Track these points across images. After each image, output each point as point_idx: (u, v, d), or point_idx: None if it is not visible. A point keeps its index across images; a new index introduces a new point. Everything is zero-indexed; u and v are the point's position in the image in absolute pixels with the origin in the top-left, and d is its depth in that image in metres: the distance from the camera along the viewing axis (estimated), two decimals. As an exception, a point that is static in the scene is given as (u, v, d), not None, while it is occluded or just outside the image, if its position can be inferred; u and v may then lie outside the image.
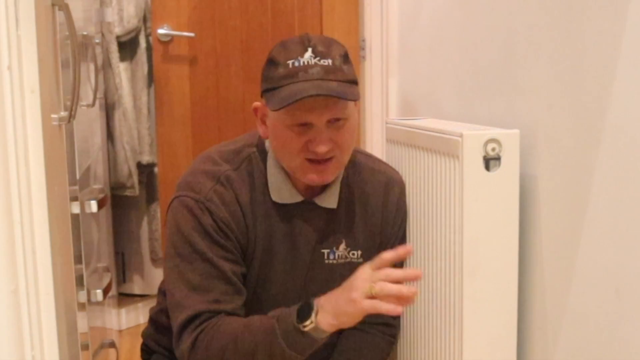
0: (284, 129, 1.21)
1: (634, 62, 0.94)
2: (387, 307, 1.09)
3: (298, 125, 1.20)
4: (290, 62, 1.19)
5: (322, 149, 1.20)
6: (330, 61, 1.19)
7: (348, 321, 1.14)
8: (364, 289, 1.11)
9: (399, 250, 1.16)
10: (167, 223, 1.31)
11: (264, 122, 1.28)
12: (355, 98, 1.21)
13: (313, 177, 1.24)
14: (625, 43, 0.95)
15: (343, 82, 1.19)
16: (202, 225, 1.24)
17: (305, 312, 1.15)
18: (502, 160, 1.19)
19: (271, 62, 1.23)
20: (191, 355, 1.22)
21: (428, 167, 1.33)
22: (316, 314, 1.14)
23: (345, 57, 1.23)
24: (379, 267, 1.13)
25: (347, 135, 1.24)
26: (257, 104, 1.29)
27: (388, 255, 1.15)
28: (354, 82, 1.23)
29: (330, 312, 1.14)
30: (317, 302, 1.16)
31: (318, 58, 1.19)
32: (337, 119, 1.21)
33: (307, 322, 1.14)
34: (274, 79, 1.21)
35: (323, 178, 1.25)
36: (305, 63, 1.18)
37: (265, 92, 1.23)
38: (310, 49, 1.20)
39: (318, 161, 1.22)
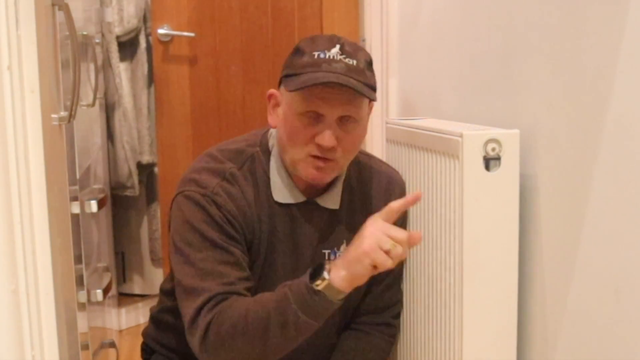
0: (295, 118, 1.21)
1: (634, 62, 0.94)
2: (389, 265, 1.11)
3: (309, 114, 1.20)
4: (316, 53, 1.20)
5: (327, 142, 1.19)
6: (355, 62, 1.20)
7: (359, 272, 1.12)
8: (380, 241, 1.10)
9: (407, 198, 1.19)
10: (172, 218, 1.29)
11: (275, 111, 1.28)
12: (372, 97, 1.22)
13: (312, 173, 1.23)
14: (625, 43, 0.95)
15: (363, 83, 1.20)
16: (211, 216, 1.23)
17: (317, 272, 1.14)
18: (502, 160, 1.19)
19: (296, 51, 1.24)
20: (204, 341, 1.18)
21: (428, 167, 1.34)
22: (329, 272, 1.13)
23: (370, 65, 1.24)
24: (389, 217, 1.15)
25: (353, 139, 1.24)
26: (273, 90, 1.29)
27: (397, 204, 1.16)
28: (374, 89, 1.24)
29: (341, 266, 1.12)
30: (329, 262, 1.16)
31: (344, 56, 1.20)
32: (348, 118, 1.21)
33: (319, 280, 1.12)
34: (296, 66, 1.21)
35: (321, 176, 1.24)
36: (331, 57, 1.20)
37: (284, 77, 1.24)
38: (338, 46, 1.21)
39: (319, 158, 1.22)
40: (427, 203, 1.34)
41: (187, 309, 1.21)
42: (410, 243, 1.12)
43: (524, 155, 1.21)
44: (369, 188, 1.38)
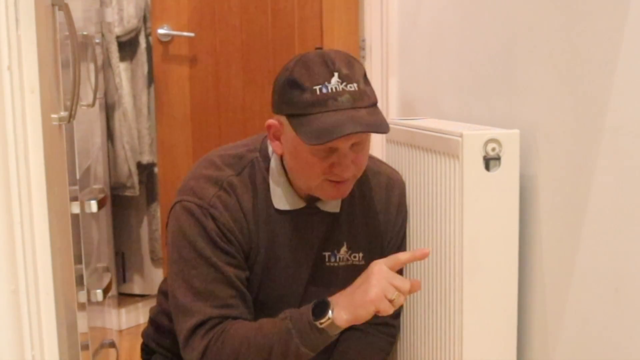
0: (308, 154, 1.20)
1: (634, 62, 0.94)
2: (391, 312, 1.18)
3: (325, 150, 1.20)
4: (317, 87, 1.16)
5: (347, 174, 1.21)
6: (355, 85, 1.18)
7: (363, 316, 1.18)
8: (386, 290, 1.16)
9: (415, 253, 1.23)
10: (169, 227, 1.30)
11: (277, 139, 1.26)
12: (385, 130, 1.18)
13: (333, 194, 1.26)
14: (625, 43, 0.95)
15: (370, 108, 1.19)
16: (206, 231, 1.24)
17: (321, 310, 1.19)
18: (502, 160, 1.19)
19: (294, 85, 1.18)
20: None
21: (428, 167, 1.33)
22: (332, 311, 1.18)
23: (366, 78, 1.23)
24: (394, 267, 1.20)
25: (365, 156, 1.26)
26: (271, 121, 1.25)
27: (404, 257, 1.22)
28: (376, 104, 1.23)
29: (346, 308, 1.18)
30: (331, 299, 1.20)
31: (345, 83, 1.17)
32: (359, 141, 1.21)
33: (324, 319, 1.18)
34: (300, 105, 1.17)
35: (342, 194, 1.26)
36: (334, 90, 1.16)
37: (290, 116, 1.19)
38: (336, 74, 1.17)
39: (338, 181, 1.23)
40: (427, 203, 1.34)
41: (181, 326, 1.26)
42: (411, 291, 1.19)
43: (524, 155, 1.21)
44: (368, 189, 1.38)
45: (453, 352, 1.25)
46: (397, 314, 1.47)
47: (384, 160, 1.52)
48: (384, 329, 1.43)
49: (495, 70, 1.36)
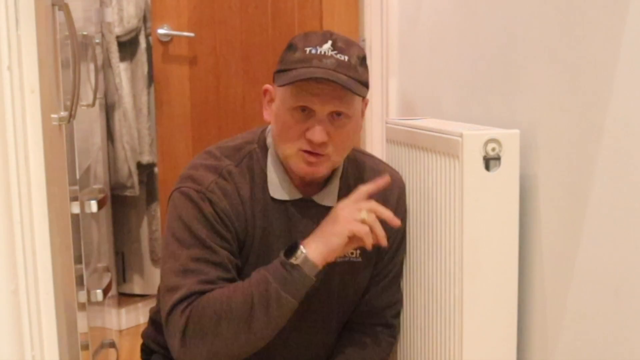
0: (286, 113, 1.23)
1: (634, 62, 0.94)
2: (370, 238, 1.21)
3: (300, 108, 1.21)
4: (308, 48, 1.22)
5: (317, 137, 1.20)
6: (346, 57, 1.21)
7: (336, 244, 1.20)
8: (353, 214, 1.20)
9: (378, 182, 1.27)
10: (167, 213, 1.30)
11: (270, 106, 1.30)
12: (362, 94, 1.24)
13: (304, 167, 1.24)
14: (625, 43, 0.95)
15: (353, 79, 1.21)
16: (203, 214, 1.24)
17: (291, 250, 1.20)
18: (502, 160, 1.19)
19: (289, 47, 1.25)
20: (184, 336, 1.19)
21: (428, 167, 1.33)
22: (304, 247, 1.20)
23: (363, 60, 1.25)
24: (359, 198, 1.24)
25: (345, 135, 1.24)
26: (268, 86, 1.31)
27: (365, 188, 1.26)
28: (365, 85, 1.25)
29: (317, 240, 1.20)
30: (302, 240, 1.22)
31: (336, 52, 1.21)
32: (339, 114, 1.22)
33: (297, 254, 1.19)
34: (288, 62, 1.23)
35: (312, 170, 1.25)
36: (322, 52, 1.21)
37: (277, 72, 1.26)
38: (330, 42, 1.22)
39: (311, 153, 1.22)
40: (427, 203, 1.34)
41: (164, 305, 1.23)
42: (378, 209, 1.23)
43: (524, 155, 1.21)
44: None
45: (453, 352, 1.25)
46: (396, 313, 1.46)
47: (384, 160, 1.52)
48: (384, 329, 1.43)
49: (495, 70, 1.36)
